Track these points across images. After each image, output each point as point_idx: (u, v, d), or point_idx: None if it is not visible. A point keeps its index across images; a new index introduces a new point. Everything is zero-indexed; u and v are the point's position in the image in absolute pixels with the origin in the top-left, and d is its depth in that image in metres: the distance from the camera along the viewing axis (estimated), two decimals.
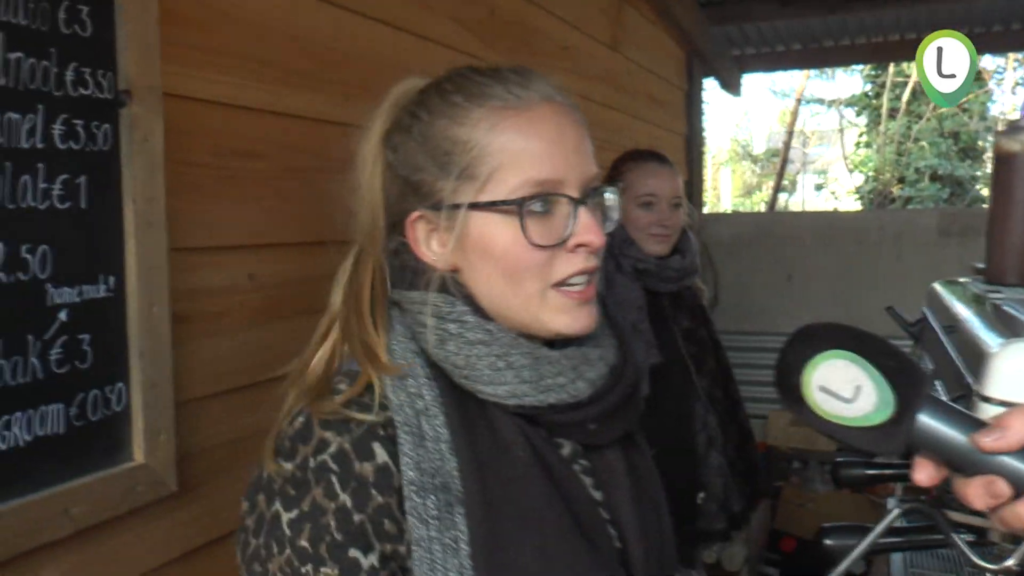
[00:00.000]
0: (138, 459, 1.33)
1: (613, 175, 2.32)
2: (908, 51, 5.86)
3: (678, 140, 4.82)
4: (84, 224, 1.26)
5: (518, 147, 0.92)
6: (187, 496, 1.43)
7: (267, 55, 1.64)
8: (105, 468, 1.28)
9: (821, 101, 17.15)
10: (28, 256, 1.18)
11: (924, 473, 0.77)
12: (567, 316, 0.94)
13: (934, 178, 14.50)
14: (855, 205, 15.86)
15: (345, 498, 0.83)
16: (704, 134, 5.22)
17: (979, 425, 0.76)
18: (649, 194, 2.29)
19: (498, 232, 0.92)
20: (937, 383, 1.39)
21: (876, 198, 14.92)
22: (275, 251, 1.66)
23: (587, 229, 0.93)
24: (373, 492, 0.84)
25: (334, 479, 0.84)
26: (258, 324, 1.62)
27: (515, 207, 0.91)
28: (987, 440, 0.73)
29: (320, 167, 1.72)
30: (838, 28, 5.34)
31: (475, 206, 0.93)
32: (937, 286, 2.23)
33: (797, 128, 16.74)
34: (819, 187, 18.60)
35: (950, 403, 0.80)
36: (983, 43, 5.25)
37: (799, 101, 15.91)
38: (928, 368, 1.74)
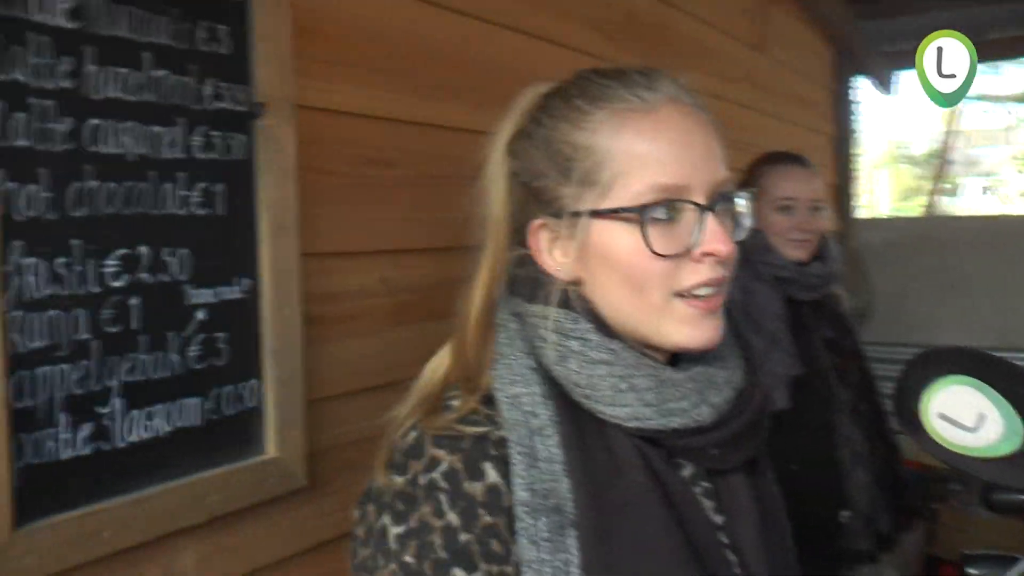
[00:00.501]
0: (270, 453, 1.40)
1: (748, 179, 2.25)
2: None
3: (825, 142, 4.66)
4: (221, 229, 1.33)
5: (641, 151, 0.89)
6: (317, 491, 1.49)
7: (400, 66, 1.70)
8: (238, 460, 1.35)
9: (987, 98, 16.19)
10: (169, 259, 1.26)
11: None
12: (691, 328, 0.89)
13: None
14: None
15: (453, 517, 0.83)
16: (856, 135, 5.02)
17: None
18: (787, 198, 2.19)
19: (620, 240, 0.89)
20: None
21: None
22: (408, 256, 1.71)
23: (714, 237, 0.88)
24: (481, 512, 0.83)
25: (443, 498, 0.83)
26: (390, 327, 1.67)
27: (636, 214, 0.88)
28: None
29: (453, 174, 1.74)
30: (1006, 18, 5.03)
31: (596, 213, 0.89)
32: None
33: (961, 127, 15.85)
34: (986, 190, 17.57)
35: None
36: None
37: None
38: None
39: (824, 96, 4.63)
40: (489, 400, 0.89)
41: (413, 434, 0.88)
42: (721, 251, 0.88)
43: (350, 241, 1.58)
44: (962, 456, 0.75)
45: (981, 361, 0.77)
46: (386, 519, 0.85)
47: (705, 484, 0.95)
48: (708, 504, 0.94)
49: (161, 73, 1.25)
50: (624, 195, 0.89)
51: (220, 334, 1.33)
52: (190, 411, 1.29)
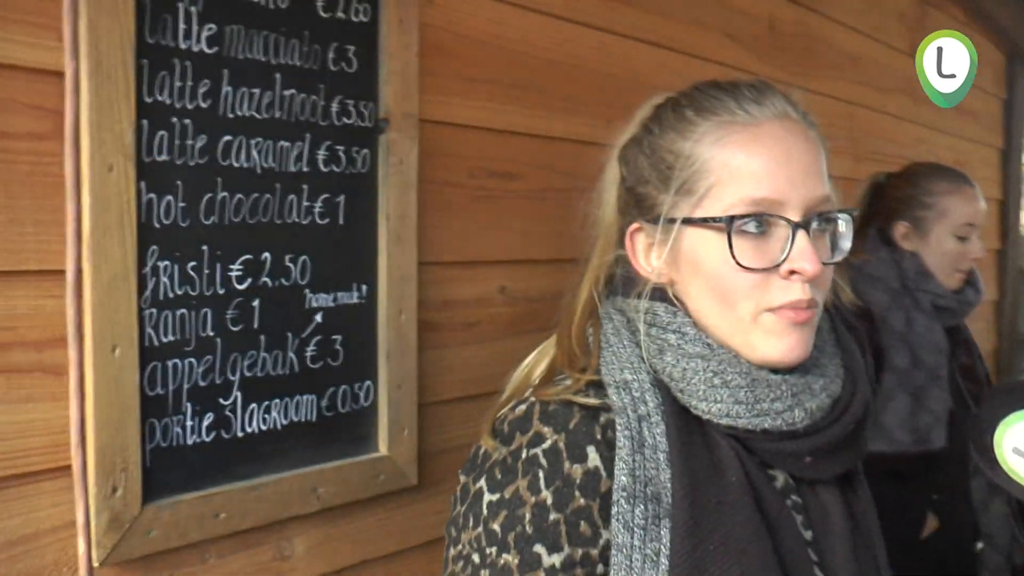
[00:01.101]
0: (382, 451, 1.47)
1: (916, 194, 2.11)
2: None
3: (992, 155, 4.42)
4: (341, 238, 1.42)
5: (738, 163, 0.90)
6: (427, 491, 1.55)
7: (525, 80, 1.74)
8: (351, 456, 1.43)
9: None
10: (291, 265, 1.35)
11: None
12: (777, 339, 0.90)
13: None
14: None
15: (547, 495, 0.84)
16: None
17: None
18: (970, 224, 2.08)
19: (709, 250, 0.91)
20: None
21: None
22: (528, 267, 1.76)
23: (801, 255, 0.88)
24: (577, 494, 0.85)
25: (541, 474, 0.85)
26: (508, 335, 1.72)
27: (724, 224, 0.89)
28: None
29: (578, 187, 1.79)
30: None
31: (688, 221, 0.92)
32: None
33: None
34: None
35: None
36: None
37: None
38: None
39: (992, 106, 4.39)
40: (598, 385, 0.91)
41: (523, 407, 0.90)
42: (807, 270, 0.88)
43: (469, 251, 1.64)
44: None
45: None
46: (483, 484, 0.88)
47: (795, 498, 0.95)
48: (798, 518, 0.94)
49: (290, 92, 1.34)
50: (717, 205, 0.90)
51: (337, 336, 1.41)
52: (305, 407, 1.38)
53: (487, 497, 0.87)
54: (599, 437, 0.87)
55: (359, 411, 1.45)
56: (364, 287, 1.45)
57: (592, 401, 0.89)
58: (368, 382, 1.46)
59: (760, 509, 0.88)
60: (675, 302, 0.94)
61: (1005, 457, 0.74)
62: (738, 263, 0.88)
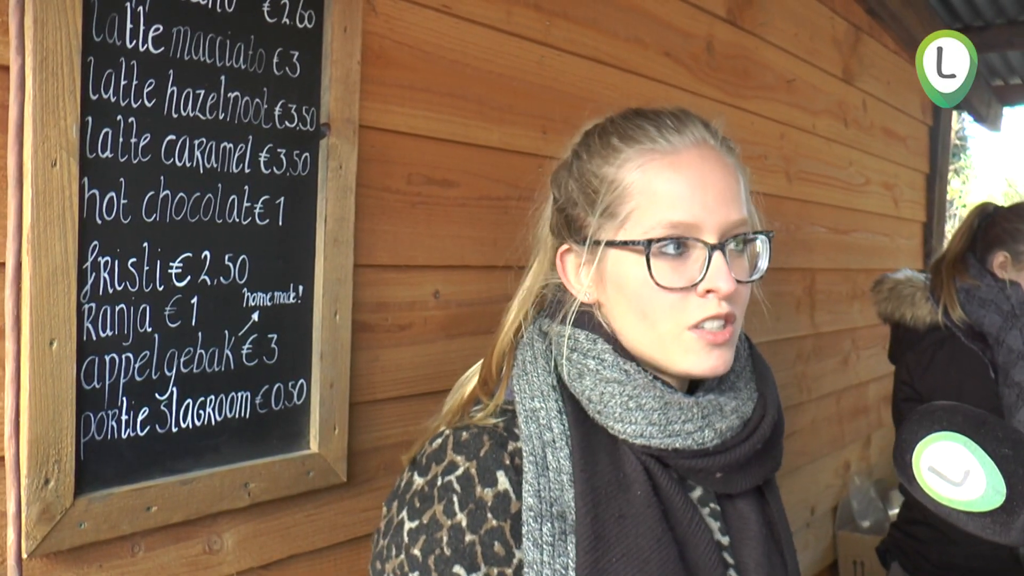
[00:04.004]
0: (312, 448, 1.50)
1: (1022, 230, 2.20)
2: None
3: (918, 179, 4.58)
4: (280, 239, 1.45)
5: (657, 189, 0.96)
6: (356, 488, 1.59)
7: (464, 90, 1.79)
8: (282, 453, 1.46)
9: None
10: (230, 264, 1.38)
11: None
12: (695, 356, 0.96)
13: None
14: None
15: (462, 517, 0.91)
16: (949, 173, 4.90)
17: None
18: None
19: (631, 271, 0.97)
20: None
21: None
22: (461, 272, 1.80)
23: (717, 274, 0.95)
24: (489, 516, 0.91)
25: (455, 499, 0.91)
26: (441, 338, 1.76)
27: (643, 247, 0.95)
28: None
29: (513, 196, 1.85)
30: None
31: (611, 243, 0.98)
32: None
33: None
34: None
35: None
36: None
37: None
38: None
39: (919, 132, 4.56)
40: (510, 413, 0.99)
41: (439, 440, 0.97)
42: (722, 288, 0.95)
43: (404, 255, 1.68)
44: (948, 508, 0.79)
45: (973, 420, 0.81)
46: (403, 514, 0.94)
47: (714, 506, 1.02)
48: (715, 525, 1.01)
49: (234, 94, 1.37)
50: (637, 228, 0.97)
51: (272, 335, 1.44)
52: (239, 404, 1.40)
53: (407, 525, 0.93)
54: (508, 463, 0.93)
55: (292, 409, 1.48)
56: (301, 287, 1.49)
57: (501, 431, 0.96)
58: (302, 381, 1.49)
59: (668, 519, 0.94)
60: (600, 325, 1.00)
61: (922, 475, 0.80)
62: (657, 283, 0.95)
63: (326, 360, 1.51)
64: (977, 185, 17.03)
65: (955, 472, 0.78)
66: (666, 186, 0.96)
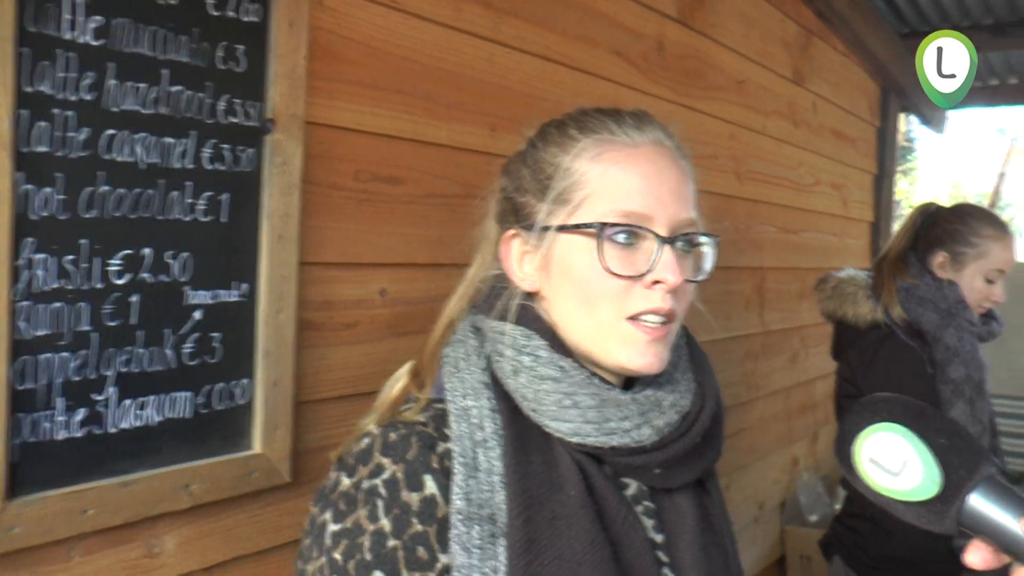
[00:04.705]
0: (256, 449, 1.48)
1: (964, 231, 2.26)
2: None
3: (866, 179, 4.65)
4: (223, 236, 1.42)
5: (613, 178, 0.96)
6: (300, 488, 1.57)
7: (412, 86, 1.78)
8: (224, 453, 1.44)
9: None
10: (171, 261, 1.35)
11: (977, 556, 0.75)
12: (632, 350, 0.95)
13: None
14: None
15: (385, 522, 0.89)
16: (896, 174, 4.99)
17: None
18: (1000, 271, 2.26)
19: (579, 256, 0.96)
20: None
21: None
22: (408, 270, 1.79)
23: (666, 268, 0.94)
24: (414, 521, 0.89)
25: (380, 504, 0.89)
26: (387, 337, 1.75)
27: (596, 231, 0.95)
28: None
29: (462, 194, 1.84)
30: None
31: (562, 228, 0.97)
32: None
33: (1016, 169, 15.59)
34: None
35: (1010, 486, 0.78)
36: None
37: (1014, 140, 14.85)
38: None
39: (868, 133, 4.62)
40: (441, 412, 0.96)
41: (366, 440, 0.94)
42: (670, 280, 0.94)
43: (351, 253, 1.67)
44: (886, 498, 0.80)
45: (912, 411, 0.81)
46: (328, 515, 0.92)
47: (648, 503, 1.01)
48: (650, 523, 1.00)
49: (177, 88, 1.35)
50: (589, 215, 0.96)
51: (215, 334, 1.42)
52: (181, 404, 1.38)
53: (330, 528, 0.91)
54: (436, 466, 0.91)
55: (235, 409, 1.46)
56: (244, 285, 1.46)
57: (430, 431, 0.94)
58: (245, 380, 1.47)
59: (602, 519, 0.93)
60: (537, 319, 0.99)
61: (863, 466, 0.81)
62: (606, 268, 0.94)
63: (270, 359, 1.49)
64: (924, 186, 17.35)
65: (894, 462, 0.79)
66: (622, 176, 0.96)
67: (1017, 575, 0.73)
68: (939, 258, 2.25)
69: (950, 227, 2.27)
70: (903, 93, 4.77)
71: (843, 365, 2.37)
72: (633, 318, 0.95)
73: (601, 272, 0.94)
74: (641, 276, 0.95)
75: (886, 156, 4.74)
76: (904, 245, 2.32)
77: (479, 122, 1.92)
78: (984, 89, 5.40)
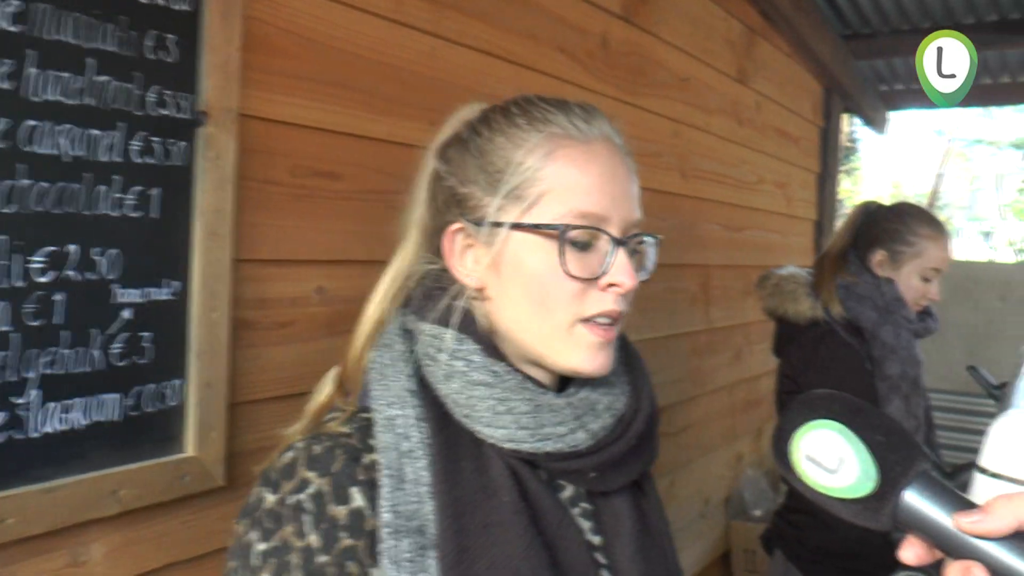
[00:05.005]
0: (188, 452, 1.44)
1: (902, 230, 2.28)
2: None
3: (810, 178, 4.70)
4: (154, 232, 1.37)
5: (569, 177, 0.93)
6: (235, 492, 1.52)
7: (351, 80, 1.74)
8: (156, 457, 1.39)
9: (984, 142, 16.31)
10: (98, 258, 1.30)
11: (911, 552, 0.73)
12: (585, 353, 0.94)
13: None
14: (1013, 257, 14.96)
15: (313, 539, 0.86)
16: (840, 174, 5.06)
17: (967, 506, 0.74)
18: (936, 269, 2.29)
19: (535, 256, 0.93)
20: None
21: None
22: (346, 267, 1.75)
23: (621, 270, 0.93)
24: (342, 535, 0.86)
25: (307, 519, 0.86)
26: (324, 336, 1.71)
27: (556, 232, 0.92)
28: (966, 522, 0.69)
29: (402, 190, 1.79)
30: (997, 64, 5.09)
31: (518, 226, 0.94)
32: None
33: (963, 172, 15.98)
34: (986, 235, 17.56)
35: (944, 482, 0.77)
36: None
37: (951, 141, 15.24)
38: None
39: (811, 133, 4.68)
40: (367, 422, 0.93)
41: (289, 454, 0.91)
42: (625, 283, 0.93)
43: (287, 250, 1.62)
44: (823, 496, 0.79)
45: (849, 408, 0.80)
46: (253, 535, 0.88)
47: (585, 505, 0.99)
48: (586, 525, 0.98)
49: (104, 79, 1.30)
50: (546, 214, 0.93)
51: (145, 333, 1.37)
52: (109, 406, 1.33)
53: (257, 547, 0.87)
54: (362, 478, 0.88)
55: (166, 411, 1.41)
56: (176, 283, 1.42)
57: (355, 443, 0.91)
58: (177, 381, 1.43)
59: (537, 524, 0.91)
60: (472, 322, 0.95)
61: (800, 464, 0.79)
62: (566, 271, 0.92)
63: (203, 359, 1.45)
64: (866, 186, 17.67)
65: (830, 459, 0.78)
66: (578, 175, 0.94)
67: (949, 571, 0.72)
68: (878, 256, 2.27)
69: (889, 226, 2.30)
70: (846, 94, 4.84)
71: (784, 362, 2.39)
72: (586, 320, 0.94)
73: (559, 274, 0.92)
74: (596, 279, 0.93)
75: (829, 156, 4.80)
76: (844, 243, 2.35)
77: (419, 117, 1.89)
78: (922, 91, 5.48)
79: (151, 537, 1.41)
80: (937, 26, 4.44)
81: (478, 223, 0.96)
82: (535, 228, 0.93)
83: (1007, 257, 15.13)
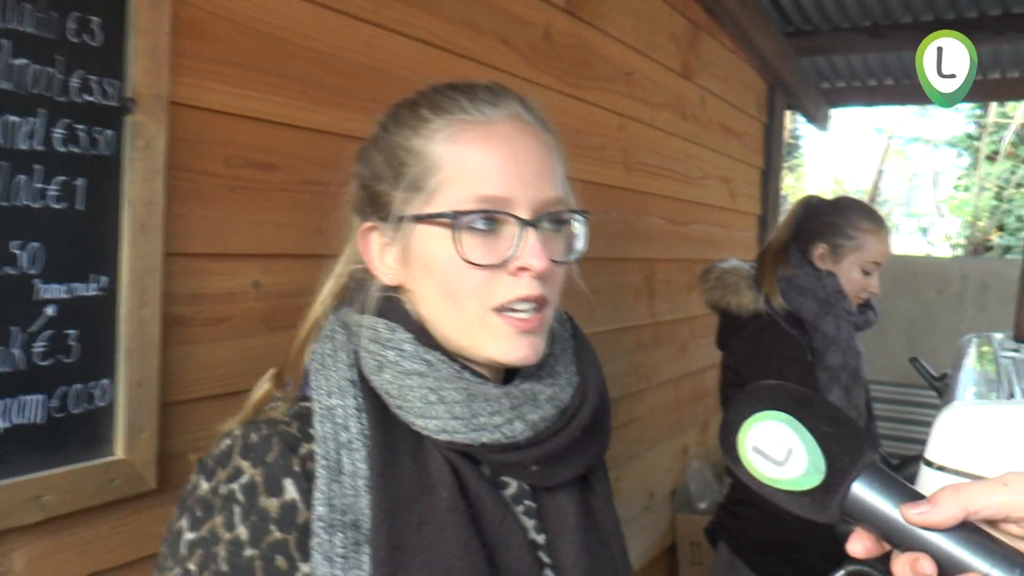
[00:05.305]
0: (118, 454, 1.38)
1: (842, 224, 2.31)
2: (1013, 90, 5.65)
3: (754, 173, 4.74)
4: (79, 225, 1.31)
5: (468, 160, 0.90)
6: (168, 495, 1.46)
7: (288, 68, 1.69)
8: (82, 460, 1.33)
9: (922, 140, 16.71)
10: (18, 252, 1.24)
11: (859, 544, 0.72)
12: (504, 344, 0.90)
13: None
14: (950, 251, 15.35)
15: (242, 531, 0.83)
16: (783, 169, 5.11)
17: (915, 498, 0.72)
18: (876, 263, 2.31)
19: (438, 248, 0.90)
20: None
21: (971, 245, 14.39)
22: (283, 261, 1.70)
23: (531, 253, 0.89)
24: (272, 528, 0.84)
25: (237, 510, 0.84)
26: (261, 331, 1.66)
27: (451, 221, 0.89)
28: (913, 513, 0.68)
29: (340, 181, 1.75)
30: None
31: (417, 218, 0.91)
32: (968, 339, 2.15)
33: (902, 169, 16.34)
34: (924, 230, 17.96)
35: (892, 474, 0.76)
36: None
37: (890, 139, 15.57)
38: None
39: (755, 128, 4.71)
40: (306, 412, 0.90)
41: (227, 441, 0.88)
42: (535, 266, 0.89)
43: (221, 243, 1.57)
44: (771, 488, 0.77)
45: (797, 399, 0.79)
46: (184, 523, 0.86)
47: (528, 503, 0.96)
48: (530, 523, 0.95)
49: (22, 62, 1.23)
50: (446, 202, 0.90)
51: (71, 331, 1.31)
52: (31, 408, 1.26)
53: (186, 536, 0.85)
54: (297, 469, 0.86)
55: (94, 412, 1.35)
56: (104, 278, 1.36)
57: (293, 432, 0.88)
58: (105, 380, 1.37)
59: (477, 522, 0.88)
60: (404, 313, 0.93)
61: (747, 455, 0.77)
62: (465, 259, 0.88)
63: (133, 357, 1.39)
64: (809, 181, 17.96)
65: (778, 451, 0.77)
66: (477, 158, 0.90)
67: (896, 563, 0.71)
68: (819, 250, 2.29)
69: (830, 220, 2.32)
70: (789, 91, 4.88)
71: (727, 354, 2.39)
72: (501, 309, 0.90)
73: (461, 263, 0.89)
74: (504, 263, 0.89)
75: (773, 151, 4.84)
76: (786, 237, 2.36)
77: (358, 107, 1.84)
78: (862, 89, 5.57)
79: (77, 544, 1.35)
80: (876, 24, 4.50)
81: (386, 219, 0.94)
82: (431, 218, 0.90)
83: (944, 252, 15.49)
